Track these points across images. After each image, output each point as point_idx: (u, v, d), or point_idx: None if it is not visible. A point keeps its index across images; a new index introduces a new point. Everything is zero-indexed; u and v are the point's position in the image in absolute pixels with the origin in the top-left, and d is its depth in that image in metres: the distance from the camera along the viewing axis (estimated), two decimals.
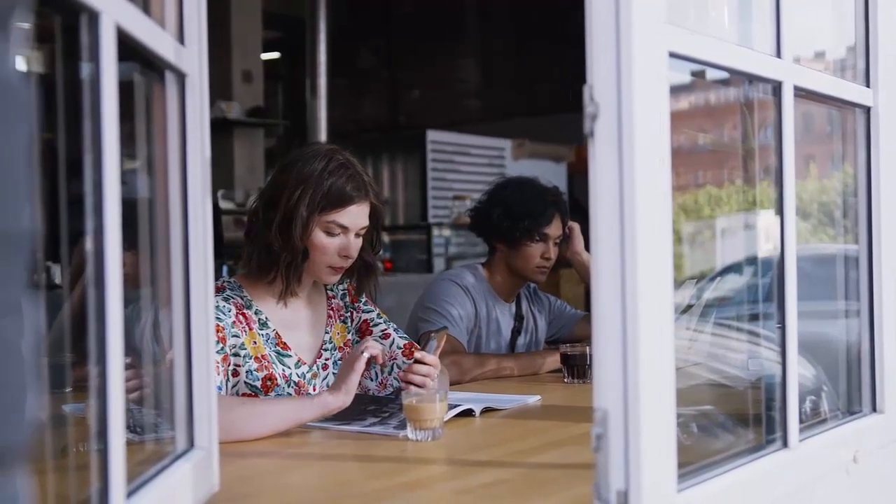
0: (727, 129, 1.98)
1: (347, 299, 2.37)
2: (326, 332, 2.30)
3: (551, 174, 6.24)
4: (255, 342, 2.15)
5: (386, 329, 2.35)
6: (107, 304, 0.97)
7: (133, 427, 1.25)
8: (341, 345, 2.32)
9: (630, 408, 1.13)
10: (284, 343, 2.20)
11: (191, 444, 1.33)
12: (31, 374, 0.56)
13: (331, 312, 2.33)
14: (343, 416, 1.98)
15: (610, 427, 1.14)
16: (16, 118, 0.54)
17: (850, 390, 1.82)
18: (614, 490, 1.14)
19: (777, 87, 1.47)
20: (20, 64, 0.57)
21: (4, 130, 0.53)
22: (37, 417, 0.60)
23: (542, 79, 8.99)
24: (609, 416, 1.14)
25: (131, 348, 1.05)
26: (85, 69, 0.96)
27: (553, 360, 2.78)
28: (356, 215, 2.16)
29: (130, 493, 1.05)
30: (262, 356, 2.15)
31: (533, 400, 2.30)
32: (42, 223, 0.60)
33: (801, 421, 1.50)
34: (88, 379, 1.01)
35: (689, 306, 1.92)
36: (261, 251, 2.16)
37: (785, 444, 1.47)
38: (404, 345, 2.32)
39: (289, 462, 1.76)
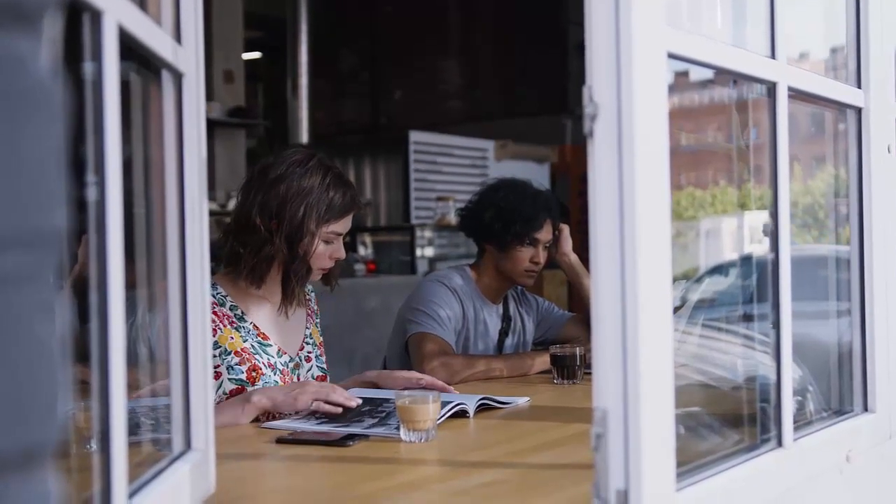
0: (710, 130, 1.99)
1: (317, 308, 2.46)
2: (307, 328, 2.38)
3: (534, 175, 6.24)
4: (232, 337, 2.18)
5: (320, 352, 2.43)
6: (109, 304, 0.96)
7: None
8: (320, 342, 2.41)
9: (630, 407, 1.13)
10: (264, 334, 2.25)
11: (188, 445, 1.32)
12: (62, 373, 0.55)
13: (309, 311, 2.41)
14: (340, 419, 1.97)
15: (610, 427, 1.14)
16: (50, 118, 0.53)
17: (841, 390, 1.83)
18: (614, 489, 1.14)
19: (772, 88, 1.47)
20: (52, 63, 0.57)
21: (40, 130, 0.52)
22: (67, 416, 0.59)
23: (524, 80, 9.01)
24: (609, 416, 1.14)
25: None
26: (87, 68, 0.95)
27: (542, 361, 2.78)
28: (349, 222, 2.27)
29: (131, 495, 1.05)
30: (242, 349, 2.18)
31: (523, 401, 2.30)
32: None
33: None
34: (81, 380, 1.00)
35: (677, 307, 1.93)
36: (262, 261, 2.19)
37: (780, 443, 1.48)
38: (318, 376, 2.38)
39: (284, 464, 1.75)
